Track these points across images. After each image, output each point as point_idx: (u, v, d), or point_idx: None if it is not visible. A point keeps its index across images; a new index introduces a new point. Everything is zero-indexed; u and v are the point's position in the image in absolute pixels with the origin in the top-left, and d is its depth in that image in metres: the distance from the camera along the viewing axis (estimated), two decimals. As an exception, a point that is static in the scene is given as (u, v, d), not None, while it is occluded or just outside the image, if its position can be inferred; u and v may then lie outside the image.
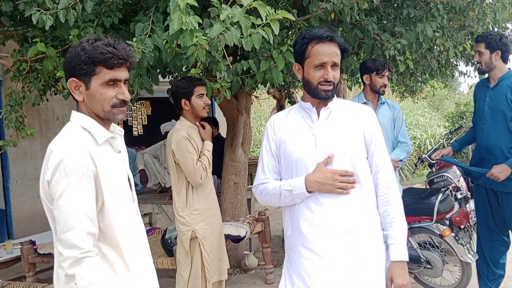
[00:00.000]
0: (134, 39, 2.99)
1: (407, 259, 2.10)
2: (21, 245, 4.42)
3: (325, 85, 2.13)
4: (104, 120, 1.82)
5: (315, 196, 2.12)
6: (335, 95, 2.23)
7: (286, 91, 8.13)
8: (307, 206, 2.15)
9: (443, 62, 5.63)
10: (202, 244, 3.35)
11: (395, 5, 4.87)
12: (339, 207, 2.09)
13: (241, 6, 2.55)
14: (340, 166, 2.10)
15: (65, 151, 1.68)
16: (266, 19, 2.58)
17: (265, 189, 2.24)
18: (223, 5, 2.61)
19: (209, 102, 3.49)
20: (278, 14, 2.59)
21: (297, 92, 9.73)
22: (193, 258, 3.38)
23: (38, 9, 2.91)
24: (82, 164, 1.68)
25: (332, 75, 2.12)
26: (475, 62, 3.85)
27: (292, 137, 2.20)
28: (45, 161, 1.72)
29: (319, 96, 2.15)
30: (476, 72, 6.16)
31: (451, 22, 4.66)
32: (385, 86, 3.97)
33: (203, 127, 3.50)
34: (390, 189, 2.16)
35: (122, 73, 1.80)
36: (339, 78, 2.18)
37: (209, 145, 3.49)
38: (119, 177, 1.83)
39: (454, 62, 6.60)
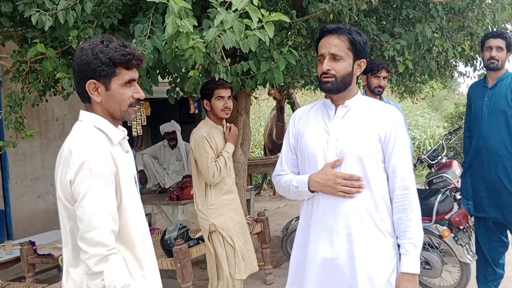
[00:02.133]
0: (134, 40, 3.00)
1: (418, 272, 2.03)
2: (20, 245, 4.42)
3: (324, 77, 2.09)
4: (115, 121, 1.86)
5: (319, 195, 2.13)
6: (358, 92, 2.17)
7: (285, 91, 8.14)
8: (313, 204, 2.16)
9: (442, 62, 5.64)
10: (223, 236, 3.50)
11: (394, 5, 4.87)
12: (341, 209, 2.06)
13: (234, 11, 2.56)
14: (349, 166, 2.06)
15: (88, 151, 1.71)
16: (261, 22, 2.58)
17: (280, 181, 2.28)
18: (219, 9, 2.62)
19: (229, 105, 3.58)
20: (273, 16, 2.60)
21: (296, 93, 9.74)
22: (216, 250, 3.53)
23: (37, 9, 2.91)
24: (106, 165, 1.72)
25: (330, 66, 2.07)
26: (491, 57, 3.69)
27: (308, 132, 2.19)
28: (64, 162, 1.74)
29: (322, 89, 2.13)
30: (475, 73, 6.19)
31: (450, 23, 4.67)
32: (380, 87, 3.94)
33: (230, 129, 3.64)
34: (407, 196, 2.05)
35: (136, 73, 1.86)
36: (344, 71, 2.08)
37: (230, 147, 3.62)
38: (131, 177, 1.87)
39: (453, 62, 6.60)
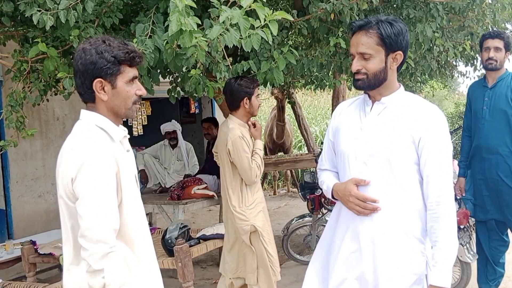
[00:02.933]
0: (135, 39, 3.00)
1: (447, 286, 1.91)
2: (21, 245, 4.42)
3: (355, 75, 2.03)
4: (118, 119, 1.88)
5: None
6: (400, 88, 2.08)
7: (286, 91, 8.14)
8: (341, 210, 2.15)
9: (443, 62, 5.64)
10: (262, 236, 3.48)
11: (395, 5, 4.87)
12: (370, 220, 2.00)
13: (240, 7, 2.56)
14: (376, 168, 1.99)
15: (90, 149, 1.73)
16: (265, 20, 2.59)
17: (320, 177, 2.26)
18: (223, 7, 2.62)
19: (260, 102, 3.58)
20: (276, 15, 2.60)
21: (296, 92, 9.74)
22: (256, 250, 3.51)
23: (39, 9, 2.91)
24: (107, 163, 1.74)
25: (360, 65, 1.99)
26: (489, 58, 3.72)
27: (344, 128, 2.13)
28: (65, 160, 1.76)
29: (354, 86, 2.07)
30: (475, 73, 6.20)
31: (450, 23, 4.67)
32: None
33: (254, 126, 3.64)
34: (440, 204, 1.93)
35: (137, 71, 1.89)
36: (376, 68, 1.98)
37: (260, 144, 3.62)
38: (131, 175, 1.89)
39: (454, 62, 6.61)
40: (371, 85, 2.01)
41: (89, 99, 1.85)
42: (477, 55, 5.67)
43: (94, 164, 1.71)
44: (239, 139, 3.45)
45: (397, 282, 1.95)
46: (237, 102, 3.56)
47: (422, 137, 1.94)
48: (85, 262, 1.72)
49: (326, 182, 2.19)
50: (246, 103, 3.55)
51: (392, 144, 1.96)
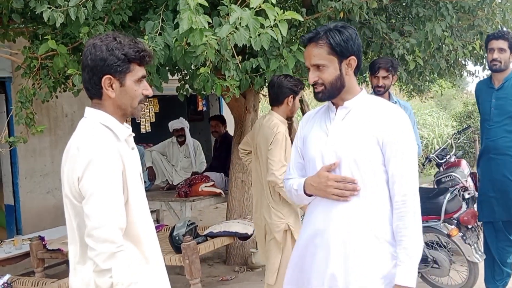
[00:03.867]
0: (145, 37, 3.01)
1: (412, 285, 1.88)
2: (30, 240, 4.45)
3: (314, 87, 2.04)
4: (123, 118, 1.87)
5: (316, 200, 2.10)
6: (361, 91, 2.08)
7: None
8: (313, 207, 2.13)
9: (452, 61, 5.62)
10: (293, 235, 3.42)
11: (404, 4, 4.86)
12: (337, 215, 1.99)
13: (250, 8, 2.57)
14: (345, 170, 1.98)
15: (96, 148, 1.71)
16: (275, 20, 2.59)
17: (286, 185, 2.25)
18: (233, 6, 2.63)
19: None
20: (286, 15, 2.60)
21: (304, 91, 9.71)
22: (283, 248, 3.47)
23: (49, 6, 2.93)
24: (114, 162, 1.72)
25: (316, 77, 2.01)
26: (493, 59, 3.68)
27: (311, 135, 2.14)
28: (71, 159, 1.74)
29: (316, 98, 2.08)
30: (484, 72, 6.16)
31: (460, 22, 4.65)
32: (379, 86, 3.92)
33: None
34: (405, 202, 1.92)
35: (145, 70, 1.87)
36: (331, 77, 2.00)
37: None
38: (137, 174, 1.87)
39: (463, 61, 6.57)
40: (331, 95, 2.04)
41: (95, 95, 1.83)
42: (486, 55, 5.64)
43: (100, 163, 1.69)
44: (282, 135, 3.44)
45: (367, 286, 1.94)
46: (282, 98, 3.52)
47: (384, 137, 1.95)
48: (91, 261, 1.71)
49: (295, 182, 2.18)
50: (290, 101, 3.52)
51: (358, 146, 1.97)
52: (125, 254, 1.70)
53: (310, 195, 2.12)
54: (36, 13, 3.02)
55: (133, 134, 1.93)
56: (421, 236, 1.95)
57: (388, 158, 1.95)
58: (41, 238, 4.42)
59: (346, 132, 2.02)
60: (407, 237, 1.91)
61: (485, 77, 5.99)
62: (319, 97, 2.04)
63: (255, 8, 2.53)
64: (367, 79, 4.08)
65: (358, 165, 1.96)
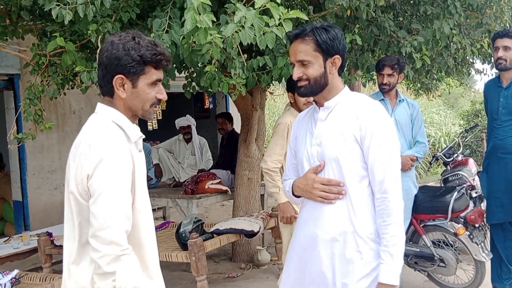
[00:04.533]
0: (152, 34, 3.02)
1: (394, 283, 1.89)
2: (38, 236, 4.48)
3: (298, 83, 2.06)
4: (133, 118, 1.83)
5: (305, 201, 2.13)
6: (343, 90, 2.08)
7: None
8: (304, 207, 2.16)
9: (460, 59, 5.59)
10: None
11: (412, 2, 4.84)
12: (321, 215, 2.02)
13: (254, 8, 2.57)
14: (328, 170, 2.02)
15: (108, 147, 1.67)
16: (280, 19, 2.59)
17: (283, 186, 2.28)
18: (238, 5, 2.63)
19: (310, 100, 3.65)
20: (291, 13, 2.60)
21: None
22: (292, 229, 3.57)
23: (57, 3, 2.95)
24: (125, 162, 1.69)
25: (301, 72, 2.02)
26: (498, 58, 3.68)
27: (300, 137, 2.18)
28: (81, 155, 1.69)
29: (298, 94, 2.11)
30: (493, 70, 6.13)
31: (468, 20, 4.63)
32: (384, 84, 3.95)
33: None
34: (384, 200, 1.93)
35: (162, 74, 1.83)
36: (315, 74, 2.01)
37: None
38: (144, 176, 1.84)
39: (471, 60, 6.54)
40: (314, 91, 2.05)
41: (107, 93, 1.79)
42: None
43: (112, 162, 1.65)
44: (284, 125, 3.62)
45: (353, 285, 1.96)
46: (288, 96, 3.79)
47: (362, 133, 1.96)
48: (87, 262, 1.68)
49: (288, 183, 2.22)
50: (291, 97, 3.74)
51: (339, 146, 1.99)
52: (130, 258, 1.66)
53: (299, 197, 2.16)
54: (45, 10, 3.04)
55: (143, 136, 1.89)
56: (402, 233, 1.95)
57: (366, 155, 1.96)
58: (49, 234, 4.44)
59: (327, 132, 2.05)
60: (387, 235, 1.91)
61: (493, 75, 5.96)
62: (302, 91, 2.06)
63: (259, 8, 2.53)
64: (374, 77, 4.08)
65: (340, 165, 1.99)
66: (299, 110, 3.66)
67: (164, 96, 1.84)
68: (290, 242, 2.23)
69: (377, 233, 1.97)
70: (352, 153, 1.97)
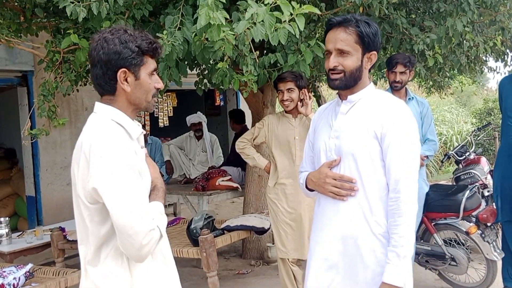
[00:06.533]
0: (164, 31, 3.04)
1: (398, 285, 1.85)
2: (50, 231, 4.53)
3: (332, 73, 1.98)
4: (133, 113, 1.81)
5: (321, 195, 2.10)
6: (368, 86, 2.03)
7: (311, 85, 8.11)
8: (317, 201, 2.13)
9: (473, 57, 5.55)
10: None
11: (425, -1, 4.81)
12: (336, 210, 1.99)
13: (265, 4, 2.57)
14: (345, 165, 1.98)
15: (111, 146, 1.64)
16: (292, 15, 2.59)
17: (299, 179, 2.25)
18: (249, 1, 2.63)
19: (286, 98, 3.72)
20: (304, 9, 2.60)
21: (321, 86, 9.69)
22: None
23: (71, 1, 2.97)
24: (130, 159, 1.66)
25: (337, 62, 1.96)
26: None
27: (319, 129, 2.14)
28: (84, 156, 1.66)
29: (330, 86, 2.04)
30: (506, 68, 6.08)
31: (481, 17, 4.59)
32: (396, 82, 3.94)
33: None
34: (398, 200, 1.88)
35: (155, 63, 1.83)
36: (352, 66, 1.96)
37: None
38: (147, 172, 1.83)
39: (484, 57, 6.49)
40: (348, 84, 1.99)
41: (109, 91, 1.75)
42: (507, 51, 5.56)
43: (119, 163, 1.62)
44: (261, 120, 4.02)
45: (367, 283, 1.94)
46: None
47: (383, 131, 1.91)
48: (103, 264, 1.69)
49: (302, 175, 2.19)
50: (277, 97, 3.89)
51: (357, 141, 1.95)
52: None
53: (312, 190, 2.13)
54: (59, 7, 3.06)
55: (144, 132, 1.87)
56: (412, 235, 1.90)
57: (385, 153, 1.91)
58: (62, 229, 4.49)
59: (348, 126, 2.00)
60: (396, 235, 1.87)
61: (507, 73, 5.91)
62: (336, 84, 2.00)
63: (270, 4, 2.53)
64: (385, 74, 4.06)
65: (356, 161, 1.95)
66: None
67: (161, 85, 1.82)
68: (310, 239, 2.20)
69: None
70: (370, 149, 1.93)
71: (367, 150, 1.93)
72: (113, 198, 1.60)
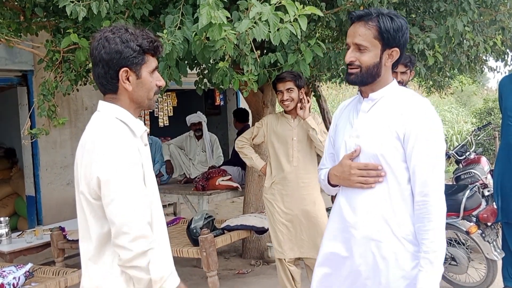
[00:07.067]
0: (165, 31, 3.03)
1: None
2: (50, 231, 4.53)
3: (349, 68, 1.94)
4: (136, 111, 1.82)
5: (340, 190, 2.05)
6: (391, 83, 1.99)
7: (311, 84, 8.11)
8: (339, 200, 2.07)
9: (473, 57, 5.55)
10: None
11: (425, -2, 4.81)
12: (357, 208, 1.95)
13: (270, 4, 2.57)
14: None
15: (116, 145, 1.66)
16: (295, 15, 2.59)
17: (319, 176, 2.20)
18: (253, 0, 2.63)
19: (286, 98, 3.68)
20: (306, 9, 2.60)
21: (321, 86, 9.70)
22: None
23: (71, 0, 2.97)
24: (135, 157, 1.68)
25: (354, 57, 1.91)
26: None
27: (340, 126, 2.10)
28: (88, 154, 1.68)
29: (346, 80, 2.00)
30: (506, 68, 6.08)
31: (482, 17, 4.59)
32: (399, 82, 3.88)
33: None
34: (426, 204, 1.82)
35: (157, 61, 1.84)
36: (369, 62, 1.90)
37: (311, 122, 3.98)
38: (152, 169, 1.84)
39: (484, 57, 6.49)
40: (364, 80, 1.94)
41: (111, 90, 1.77)
42: (507, 50, 5.56)
43: (121, 158, 1.64)
44: (260, 120, 4.01)
45: (385, 283, 1.90)
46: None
47: (407, 132, 1.85)
48: (104, 263, 1.69)
49: (323, 172, 2.14)
50: (277, 97, 3.89)
51: (378, 141, 1.90)
52: (157, 247, 1.68)
53: (335, 186, 2.08)
54: (59, 7, 3.06)
55: (148, 130, 1.88)
56: (443, 240, 1.84)
57: (409, 155, 1.85)
58: (62, 229, 4.49)
59: (368, 125, 1.95)
60: (427, 241, 1.81)
61: (507, 73, 5.91)
62: (351, 79, 1.96)
63: (275, 4, 2.53)
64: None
65: (378, 161, 1.89)
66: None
67: (162, 83, 1.84)
68: (323, 238, 2.16)
69: (415, 235, 1.88)
70: (392, 150, 1.87)
71: (389, 151, 1.88)
72: (116, 195, 1.62)
